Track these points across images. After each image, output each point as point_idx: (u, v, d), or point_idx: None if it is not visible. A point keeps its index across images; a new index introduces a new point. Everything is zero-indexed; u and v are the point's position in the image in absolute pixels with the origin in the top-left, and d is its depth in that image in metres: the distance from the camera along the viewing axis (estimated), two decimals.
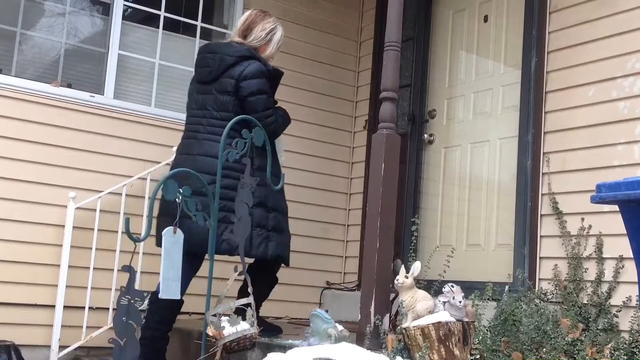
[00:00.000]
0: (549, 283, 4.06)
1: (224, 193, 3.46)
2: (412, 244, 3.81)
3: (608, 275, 3.84)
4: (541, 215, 4.26)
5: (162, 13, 5.13)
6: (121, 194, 4.58)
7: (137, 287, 2.92)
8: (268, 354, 2.90)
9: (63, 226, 4.43)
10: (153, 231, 3.24)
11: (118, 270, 4.39)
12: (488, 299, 3.43)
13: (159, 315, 3.69)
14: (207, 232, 3.31)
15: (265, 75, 3.85)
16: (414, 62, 5.47)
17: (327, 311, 3.23)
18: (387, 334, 3.23)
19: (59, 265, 4.40)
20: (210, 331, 3.17)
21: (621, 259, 3.77)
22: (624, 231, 2.56)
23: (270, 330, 3.78)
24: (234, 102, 3.79)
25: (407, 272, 3.21)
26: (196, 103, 3.91)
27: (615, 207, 2.59)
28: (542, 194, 4.28)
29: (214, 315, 3.21)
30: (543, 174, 4.29)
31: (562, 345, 3.31)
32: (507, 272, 4.32)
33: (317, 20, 5.74)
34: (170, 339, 3.80)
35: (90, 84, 4.90)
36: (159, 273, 3.10)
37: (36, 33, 4.85)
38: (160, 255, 3.10)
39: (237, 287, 3.63)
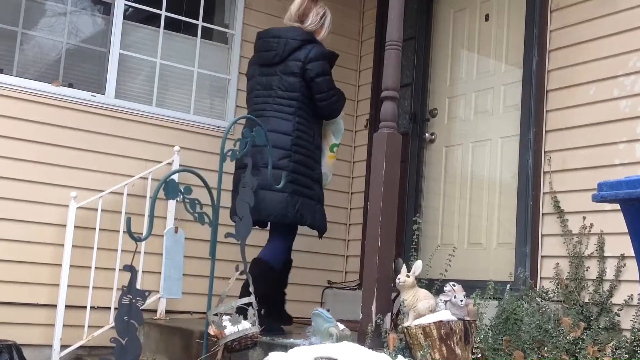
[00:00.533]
0: (550, 282, 4.06)
1: (295, 167, 3.90)
2: (414, 243, 3.81)
3: (609, 274, 3.83)
4: (542, 214, 4.26)
5: (163, 12, 5.12)
6: (122, 194, 4.59)
7: (138, 286, 2.93)
8: (269, 353, 2.90)
9: (64, 226, 4.43)
10: (156, 231, 3.24)
11: (119, 269, 4.39)
12: (489, 297, 3.43)
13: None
14: (282, 201, 3.84)
15: (327, 57, 4.16)
16: (415, 61, 5.46)
17: (328, 310, 3.23)
18: (388, 333, 3.23)
19: (60, 265, 4.40)
20: (211, 330, 3.18)
21: (623, 257, 3.77)
22: (626, 230, 2.56)
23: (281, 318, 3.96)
24: (300, 82, 4.03)
25: (409, 271, 3.21)
26: (260, 84, 4.14)
27: (617, 206, 2.58)
28: (543, 193, 4.27)
29: (216, 314, 3.21)
30: (544, 172, 4.28)
31: (564, 344, 3.31)
32: (509, 270, 4.32)
33: None
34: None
35: (91, 84, 4.90)
36: (160, 272, 3.10)
37: (37, 33, 4.85)
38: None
39: (237, 287, 3.61)
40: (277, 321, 3.96)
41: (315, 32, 4.23)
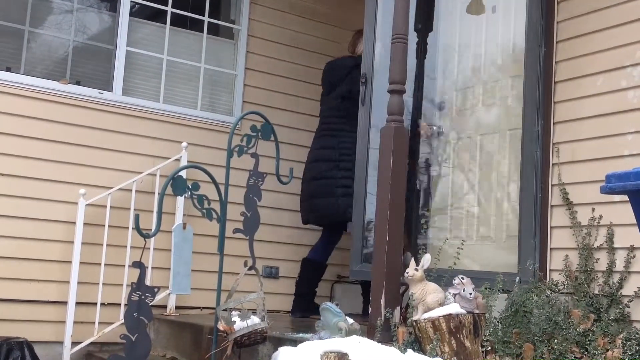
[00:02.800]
0: (559, 274, 4.05)
1: (343, 174, 4.72)
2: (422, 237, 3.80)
3: (619, 266, 3.82)
4: (551, 206, 4.24)
5: (169, 9, 5.13)
6: (131, 190, 4.60)
7: (147, 282, 2.93)
8: (279, 348, 2.90)
9: (74, 223, 4.45)
10: (164, 227, 3.25)
11: (129, 266, 4.41)
12: (498, 290, 3.42)
13: (307, 279, 4.94)
14: (335, 204, 4.71)
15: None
16: (421, 54, 5.44)
17: (337, 304, 3.23)
18: (397, 327, 3.24)
19: (70, 262, 4.42)
20: (221, 326, 3.19)
21: (632, 249, 3.75)
22: (635, 221, 2.55)
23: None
24: (348, 102, 4.80)
25: (417, 264, 3.21)
26: (321, 110, 5.04)
27: (626, 197, 2.57)
28: (552, 185, 4.25)
29: (225, 310, 3.21)
30: (553, 164, 4.27)
31: (574, 336, 3.30)
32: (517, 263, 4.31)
33: (323, 13, 5.73)
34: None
35: (98, 81, 4.91)
36: (169, 268, 3.10)
37: (44, 31, 4.86)
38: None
39: (245, 283, 3.60)
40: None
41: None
